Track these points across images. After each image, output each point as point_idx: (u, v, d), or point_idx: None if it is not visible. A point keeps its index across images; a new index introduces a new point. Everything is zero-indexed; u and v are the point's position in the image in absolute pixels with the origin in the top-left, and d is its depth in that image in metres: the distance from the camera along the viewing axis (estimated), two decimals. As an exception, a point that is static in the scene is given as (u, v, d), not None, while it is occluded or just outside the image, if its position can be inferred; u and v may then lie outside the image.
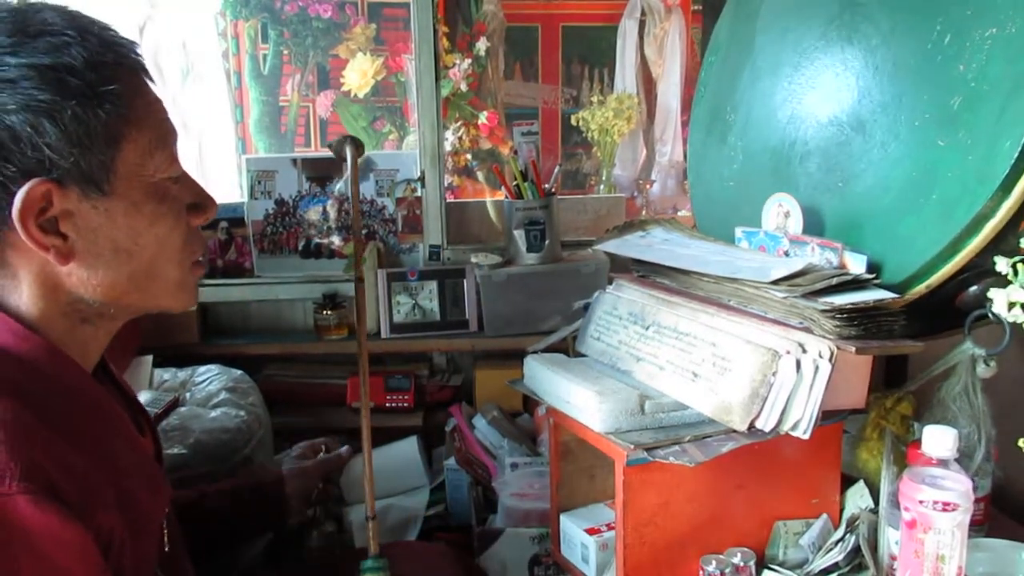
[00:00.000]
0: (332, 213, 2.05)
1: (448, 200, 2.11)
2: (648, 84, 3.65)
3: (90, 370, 0.89)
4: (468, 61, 3.30)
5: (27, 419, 0.73)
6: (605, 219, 2.23)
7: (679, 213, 3.33)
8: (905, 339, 1.05)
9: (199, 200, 0.91)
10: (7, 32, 0.76)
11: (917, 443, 0.99)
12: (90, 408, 0.84)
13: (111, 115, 0.79)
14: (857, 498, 1.16)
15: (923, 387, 1.17)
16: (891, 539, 1.04)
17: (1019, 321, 0.97)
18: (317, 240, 2.05)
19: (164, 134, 0.85)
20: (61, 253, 0.79)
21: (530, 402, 1.83)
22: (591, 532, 1.19)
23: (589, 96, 3.60)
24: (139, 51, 0.84)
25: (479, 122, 3.31)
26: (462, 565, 1.34)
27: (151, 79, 0.86)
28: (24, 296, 0.81)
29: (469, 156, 3.36)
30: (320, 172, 2.05)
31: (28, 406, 0.74)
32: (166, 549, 0.97)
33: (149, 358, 1.80)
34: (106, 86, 0.78)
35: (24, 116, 0.75)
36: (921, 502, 0.91)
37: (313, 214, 2.05)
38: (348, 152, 1.20)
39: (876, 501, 1.13)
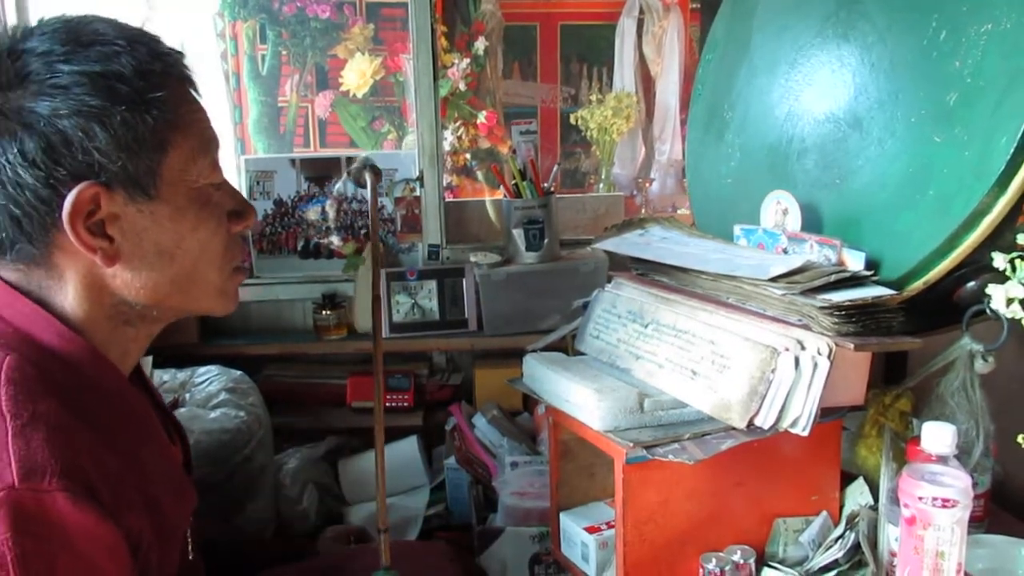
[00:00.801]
0: (331, 213, 2.05)
1: (447, 199, 2.12)
2: (647, 83, 3.65)
3: (128, 373, 0.91)
4: (467, 61, 3.30)
5: (69, 419, 0.75)
6: (604, 218, 2.24)
7: (678, 211, 3.33)
8: (903, 335, 1.05)
9: (240, 207, 0.93)
10: (61, 41, 0.79)
11: (916, 439, 0.99)
12: (126, 413, 0.86)
13: (158, 121, 0.81)
14: (857, 495, 1.16)
15: (922, 383, 1.17)
16: (891, 536, 1.04)
17: (1017, 317, 0.97)
18: (316, 240, 2.05)
19: (207, 141, 0.88)
20: (107, 255, 0.81)
21: (530, 401, 1.83)
22: (591, 530, 1.19)
23: (588, 95, 3.59)
24: (186, 62, 0.87)
25: (478, 121, 3.31)
26: (462, 565, 1.34)
27: (196, 89, 0.88)
28: (69, 297, 0.83)
29: (468, 156, 3.36)
30: (319, 172, 2.05)
31: (70, 406, 0.76)
32: (190, 557, 0.99)
33: (149, 359, 1.80)
34: (154, 93, 0.81)
35: (75, 120, 0.77)
36: (920, 498, 0.91)
37: (312, 214, 2.05)
38: (368, 179, 1.22)
39: (876, 498, 1.13)
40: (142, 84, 0.80)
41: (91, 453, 0.75)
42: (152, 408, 0.94)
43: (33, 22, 0.84)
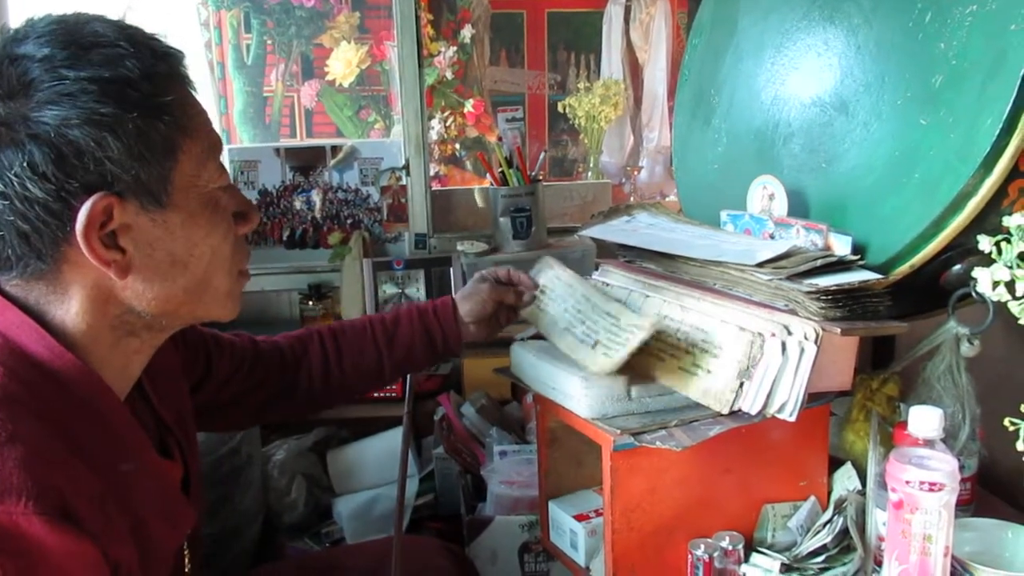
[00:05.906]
0: (317, 203, 2.03)
1: (434, 188, 2.11)
2: (634, 70, 3.64)
3: (128, 387, 0.88)
4: (453, 49, 3.28)
5: (49, 440, 0.73)
6: (591, 205, 2.23)
7: (667, 199, 3.32)
8: (890, 320, 1.05)
9: (244, 208, 0.91)
10: (60, 45, 0.75)
11: (903, 424, 0.99)
12: (112, 434, 0.82)
13: (169, 126, 0.78)
14: (844, 480, 1.16)
15: (908, 368, 1.17)
16: (879, 520, 1.04)
17: (1003, 300, 0.96)
18: (302, 230, 2.04)
19: (213, 143, 0.85)
20: (120, 267, 0.79)
21: (518, 390, 1.83)
22: (579, 518, 1.19)
23: (575, 82, 3.58)
24: (186, 62, 0.84)
25: (465, 110, 3.29)
26: (454, 559, 1.33)
27: (194, 89, 0.85)
28: (72, 311, 0.80)
29: (457, 145, 3.34)
30: (304, 162, 2.04)
31: (52, 426, 0.74)
32: (186, 570, 0.97)
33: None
34: (163, 97, 0.78)
35: (87, 130, 0.73)
36: (908, 483, 0.91)
37: (298, 204, 2.04)
38: None
39: (863, 483, 1.13)
40: (151, 88, 0.76)
41: (70, 475, 0.72)
42: (142, 426, 0.89)
43: (11, 15, 0.80)
